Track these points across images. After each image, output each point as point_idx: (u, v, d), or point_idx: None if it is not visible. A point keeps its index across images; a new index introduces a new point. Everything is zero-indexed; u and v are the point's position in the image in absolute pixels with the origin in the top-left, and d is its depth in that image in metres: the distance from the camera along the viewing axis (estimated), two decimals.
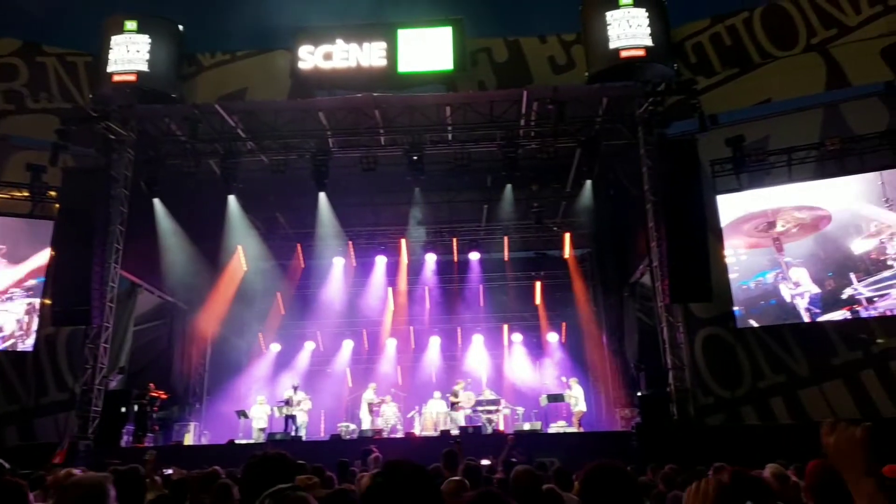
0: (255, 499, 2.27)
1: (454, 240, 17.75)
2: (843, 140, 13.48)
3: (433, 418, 14.90)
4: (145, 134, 14.74)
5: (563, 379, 15.71)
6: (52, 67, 15.45)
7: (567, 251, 17.72)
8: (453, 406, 14.80)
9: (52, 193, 14.39)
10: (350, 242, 17.56)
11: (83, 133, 13.99)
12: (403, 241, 17.55)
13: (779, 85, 14.44)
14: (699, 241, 12.90)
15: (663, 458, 8.57)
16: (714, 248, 13.47)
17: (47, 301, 14.06)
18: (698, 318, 14.52)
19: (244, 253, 16.46)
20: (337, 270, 17.96)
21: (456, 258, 18.07)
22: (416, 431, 14.60)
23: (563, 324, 18.21)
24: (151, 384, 14.35)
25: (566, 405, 14.88)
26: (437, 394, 15.39)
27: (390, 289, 18.31)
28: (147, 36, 14.58)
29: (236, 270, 16.40)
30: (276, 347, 17.72)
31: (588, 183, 15.30)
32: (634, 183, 14.52)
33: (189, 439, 14.46)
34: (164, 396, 14.44)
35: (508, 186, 15.41)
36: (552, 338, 18.32)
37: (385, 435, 14.17)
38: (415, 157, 14.34)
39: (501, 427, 14.60)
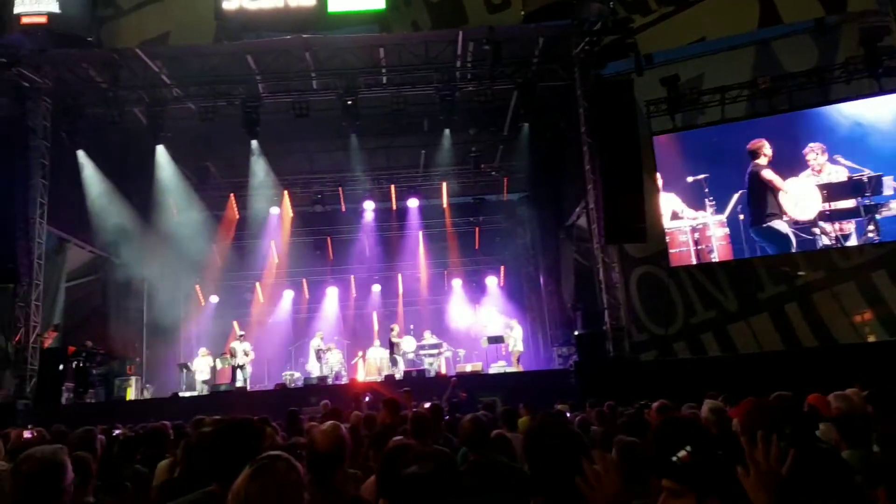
0: (225, 467, 2.19)
1: (392, 187, 17.55)
2: (773, 78, 13.63)
3: (377, 364, 15.08)
4: (62, 81, 13.95)
5: (502, 323, 15.96)
6: None
7: (505, 195, 17.78)
8: (393, 349, 14.96)
9: None
10: (286, 191, 17.19)
11: None
12: (340, 190, 17.27)
13: (713, 23, 14.41)
14: (634, 182, 13.05)
15: (600, 394, 8.90)
16: (649, 189, 13.66)
17: None
18: (633, 257, 14.87)
19: (176, 204, 15.97)
20: (274, 220, 17.60)
21: (395, 205, 17.92)
22: (360, 377, 14.76)
23: (502, 267, 18.44)
24: (88, 341, 14.09)
25: (506, 346, 15.20)
26: (377, 342, 15.53)
27: (329, 238, 18.13)
28: None
29: (169, 222, 15.92)
30: (214, 299, 17.47)
31: (525, 126, 15.23)
32: (571, 125, 14.52)
33: (131, 394, 14.30)
34: (101, 352, 14.23)
35: (446, 131, 15.24)
36: (491, 281, 18.57)
37: (330, 382, 14.30)
38: (349, 102, 14.00)
39: (444, 370, 14.87)
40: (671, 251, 13.80)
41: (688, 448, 1.87)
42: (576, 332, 13.88)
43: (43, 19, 13.39)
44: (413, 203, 17.92)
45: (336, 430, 2.92)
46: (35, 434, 5.46)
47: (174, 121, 14.56)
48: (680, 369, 13.17)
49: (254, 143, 14.74)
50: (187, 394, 14.10)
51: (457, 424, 5.42)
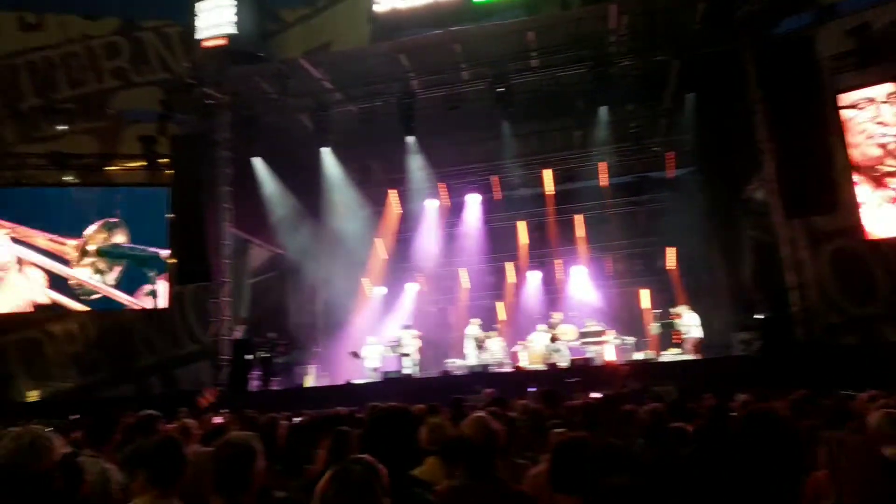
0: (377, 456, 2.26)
1: (548, 171, 17.14)
2: None
3: (540, 352, 14.85)
4: (238, 95, 15.19)
5: (673, 308, 15.03)
6: (149, 41, 16.23)
7: (671, 171, 16.71)
8: (552, 339, 14.66)
9: (164, 161, 15.29)
10: (441, 184, 17.54)
11: (183, 100, 14.73)
12: (495, 178, 17.27)
13: None
14: (819, 147, 11.76)
15: (789, 383, 8.11)
16: (837, 155, 12.21)
17: (174, 261, 15.17)
18: (822, 231, 13.35)
19: (341, 202, 16.88)
20: (431, 212, 18.03)
21: (553, 190, 17.46)
22: (523, 365, 14.62)
23: (671, 248, 17.27)
24: (272, 332, 15.28)
25: (679, 331, 14.30)
26: (540, 327, 15.27)
27: (486, 226, 18.22)
28: None
29: (337, 220, 16.88)
30: (381, 290, 18.23)
31: (689, 97, 14.22)
32: (741, 92, 13.34)
33: (309, 382, 15.26)
34: (283, 342, 15.39)
35: (602, 109, 14.66)
36: (660, 263, 17.52)
37: (493, 370, 14.29)
38: (501, 90, 13.89)
39: (609, 357, 14.30)
40: (866, 223, 12.23)
41: None
42: (758, 316, 12.73)
43: (224, 41, 14.70)
44: (570, 185, 17.45)
45: (482, 421, 2.82)
46: (224, 419, 5.96)
47: (336, 123, 15.32)
48: (888, 355, 11.64)
49: (410, 138, 15.13)
50: (359, 381, 14.79)
51: (629, 415, 5.13)
